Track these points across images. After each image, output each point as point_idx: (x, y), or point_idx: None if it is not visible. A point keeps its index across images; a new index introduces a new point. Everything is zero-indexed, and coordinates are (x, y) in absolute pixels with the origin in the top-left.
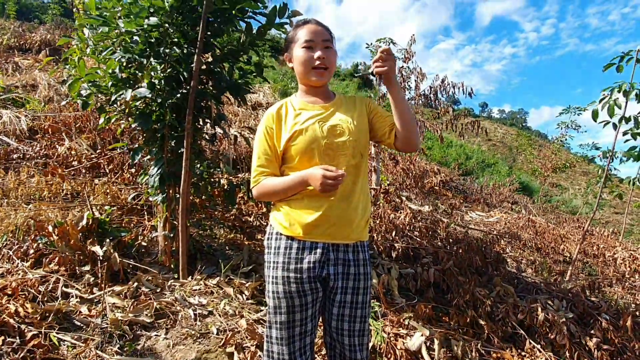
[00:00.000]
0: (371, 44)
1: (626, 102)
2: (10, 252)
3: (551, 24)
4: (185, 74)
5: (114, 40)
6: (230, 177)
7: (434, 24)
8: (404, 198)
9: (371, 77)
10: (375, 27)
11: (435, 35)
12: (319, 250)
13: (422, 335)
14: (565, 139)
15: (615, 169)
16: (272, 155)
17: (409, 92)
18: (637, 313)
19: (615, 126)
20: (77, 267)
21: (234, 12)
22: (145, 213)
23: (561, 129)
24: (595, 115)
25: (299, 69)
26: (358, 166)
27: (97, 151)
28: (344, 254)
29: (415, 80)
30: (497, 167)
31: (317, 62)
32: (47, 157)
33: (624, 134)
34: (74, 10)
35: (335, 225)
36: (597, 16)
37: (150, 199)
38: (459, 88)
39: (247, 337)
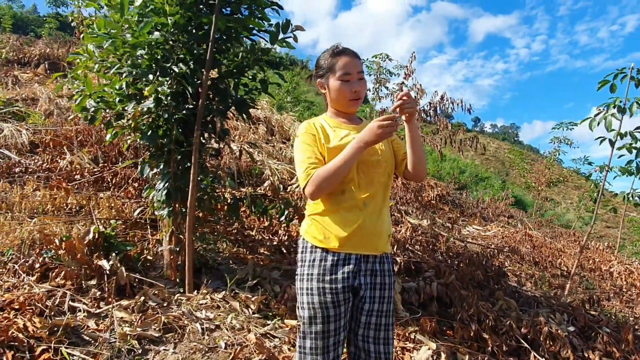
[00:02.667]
0: (367, 59)
1: (622, 118)
2: (16, 266)
3: (541, 40)
4: (191, 89)
5: (121, 56)
6: (233, 191)
7: (428, 40)
8: (403, 212)
9: (397, 117)
10: (370, 41)
11: (428, 51)
12: (352, 261)
13: (429, 349)
14: (558, 154)
15: (609, 183)
16: (320, 156)
17: None
18: (637, 327)
19: (611, 142)
20: (83, 282)
21: (240, 30)
22: (149, 227)
23: (554, 143)
24: (591, 126)
25: (336, 98)
26: (386, 184)
27: (100, 165)
28: (373, 265)
29: (415, 96)
30: (490, 181)
31: (353, 96)
32: (50, 171)
33: (619, 149)
34: (72, 24)
35: (367, 237)
36: (587, 33)
37: (156, 213)
38: (457, 104)
39: (255, 352)
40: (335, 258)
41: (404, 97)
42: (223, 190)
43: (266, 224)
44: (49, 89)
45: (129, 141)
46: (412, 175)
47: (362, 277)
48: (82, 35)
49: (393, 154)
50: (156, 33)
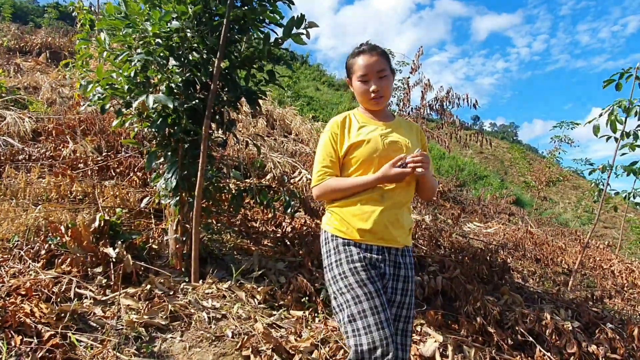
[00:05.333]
0: None
1: (626, 118)
2: (22, 253)
3: (543, 39)
4: (202, 78)
5: (133, 43)
6: (238, 183)
7: (431, 37)
8: None
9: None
10: (371, 38)
11: (429, 48)
12: (375, 251)
13: (435, 341)
14: (559, 153)
15: (609, 185)
16: (336, 158)
17: (414, 103)
18: None
19: (616, 140)
20: (89, 269)
21: (252, 20)
22: (153, 216)
23: (555, 142)
24: (596, 130)
25: (358, 97)
26: (409, 181)
27: (104, 154)
28: (395, 257)
29: (422, 91)
30: (489, 180)
31: (372, 95)
32: (53, 159)
33: (623, 147)
34: (73, 14)
35: (387, 229)
36: (588, 33)
37: (163, 202)
38: (463, 99)
39: (262, 341)
40: (358, 246)
41: (418, 160)
42: (227, 180)
43: (270, 215)
44: (51, 77)
45: (136, 129)
46: (420, 196)
47: (387, 267)
48: (80, 23)
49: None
50: (175, 22)
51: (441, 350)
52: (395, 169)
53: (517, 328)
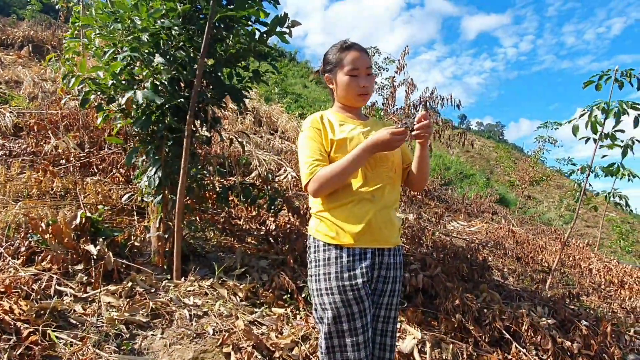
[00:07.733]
0: None
1: (604, 120)
2: (1, 250)
3: (529, 40)
4: (188, 77)
5: (120, 40)
6: (222, 180)
7: (421, 36)
8: None
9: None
10: (362, 35)
11: (418, 47)
12: (369, 256)
13: (414, 338)
14: (542, 153)
15: (590, 184)
16: (324, 152)
17: (400, 103)
18: (615, 321)
19: (595, 141)
20: (69, 266)
21: (237, 17)
22: (135, 214)
23: (539, 142)
24: (575, 130)
25: (344, 93)
26: (394, 179)
27: (87, 150)
28: (388, 258)
29: (406, 91)
30: (475, 179)
31: (362, 91)
32: (34, 155)
33: (601, 147)
34: (57, 7)
35: (381, 230)
36: (573, 34)
37: (145, 199)
38: (447, 99)
39: (243, 338)
40: (351, 254)
41: (424, 124)
42: (212, 178)
43: (254, 213)
44: (34, 71)
45: (119, 126)
46: (412, 186)
47: (377, 271)
48: (70, 21)
49: (400, 153)
50: (166, 21)
51: (420, 346)
52: (395, 133)
53: (494, 325)
